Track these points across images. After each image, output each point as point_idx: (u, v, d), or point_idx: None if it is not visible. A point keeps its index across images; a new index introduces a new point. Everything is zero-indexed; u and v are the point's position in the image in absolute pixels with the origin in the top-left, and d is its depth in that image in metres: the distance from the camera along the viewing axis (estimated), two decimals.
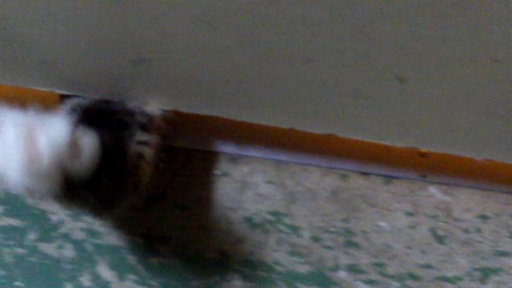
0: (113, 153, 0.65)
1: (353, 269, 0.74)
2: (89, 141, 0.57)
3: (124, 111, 0.71)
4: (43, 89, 0.75)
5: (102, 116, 0.70)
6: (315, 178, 0.77)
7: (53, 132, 0.55)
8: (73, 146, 0.56)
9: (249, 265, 0.73)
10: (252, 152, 0.79)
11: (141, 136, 0.69)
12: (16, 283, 0.71)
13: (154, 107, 0.73)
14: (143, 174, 0.69)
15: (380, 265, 0.74)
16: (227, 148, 0.79)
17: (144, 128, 0.70)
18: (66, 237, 0.74)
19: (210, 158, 0.78)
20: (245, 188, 0.77)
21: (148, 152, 0.69)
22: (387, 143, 0.74)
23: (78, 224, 0.75)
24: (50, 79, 0.74)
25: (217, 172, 0.78)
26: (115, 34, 0.64)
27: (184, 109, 0.74)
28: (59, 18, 0.63)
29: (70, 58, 0.70)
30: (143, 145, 0.69)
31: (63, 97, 0.75)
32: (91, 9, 0.61)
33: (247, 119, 0.75)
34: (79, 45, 0.67)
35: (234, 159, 0.78)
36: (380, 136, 0.74)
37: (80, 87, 0.74)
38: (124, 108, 0.71)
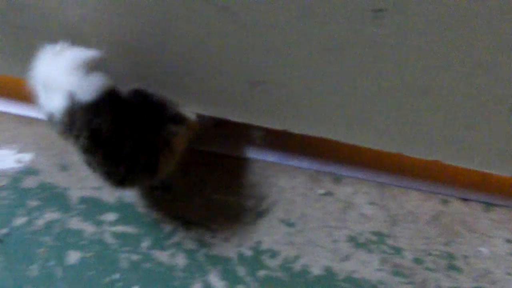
0: (143, 128, 0.70)
1: None
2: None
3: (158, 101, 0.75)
4: None
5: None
6: (416, 201, 0.81)
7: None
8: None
9: (354, 282, 0.75)
10: (355, 173, 0.81)
11: (173, 127, 0.74)
12: (135, 287, 0.73)
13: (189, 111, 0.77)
14: (167, 158, 0.73)
15: None
16: (331, 168, 0.82)
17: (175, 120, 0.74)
18: (178, 246, 0.77)
19: (315, 177, 0.82)
20: (349, 208, 0.80)
21: (177, 141, 0.74)
22: (489, 171, 0.76)
23: (189, 234, 0.78)
24: (173, 89, 0.76)
25: (321, 191, 0.81)
26: (238, 58, 0.69)
27: (294, 129, 0.77)
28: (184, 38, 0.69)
29: (195, 75, 0.74)
30: (173, 134, 0.73)
31: None
32: (215, 36, 0.67)
33: (357, 142, 0.78)
34: (205, 66, 0.72)
35: (338, 179, 0.82)
36: (483, 164, 0.76)
37: (196, 102, 0.77)
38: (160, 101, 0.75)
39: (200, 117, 0.78)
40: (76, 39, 0.66)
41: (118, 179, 0.70)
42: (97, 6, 0.66)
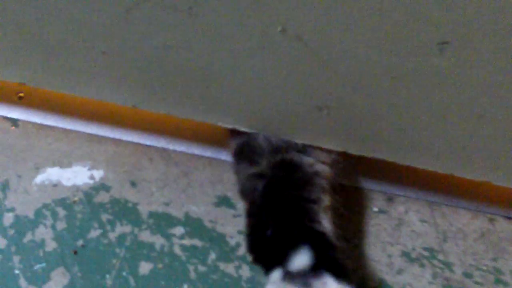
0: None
1: None
2: None
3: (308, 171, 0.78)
4: (228, 126, 0.85)
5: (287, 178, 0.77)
6: (465, 220, 0.87)
7: None
8: None
9: None
10: (407, 192, 0.88)
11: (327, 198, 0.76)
12: None
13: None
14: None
15: None
16: (384, 187, 0.88)
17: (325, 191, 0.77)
18: (243, 259, 0.82)
19: (368, 196, 0.88)
20: (401, 225, 0.86)
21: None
22: None
23: None
24: (238, 116, 0.82)
25: (375, 209, 0.87)
26: (307, 84, 0.75)
27: (353, 151, 0.83)
28: (257, 65, 0.74)
29: (265, 101, 0.79)
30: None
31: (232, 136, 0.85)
32: (289, 62, 0.73)
33: (412, 164, 0.83)
34: (275, 91, 0.78)
35: (390, 198, 0.88)
36: None
37: (263, 126, 0.83)
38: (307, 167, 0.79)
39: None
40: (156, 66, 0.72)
41: None
42: (178, 34, 0.72)
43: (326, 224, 0.73)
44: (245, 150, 0.80)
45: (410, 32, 0.65)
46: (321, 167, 0.77)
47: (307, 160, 0.77)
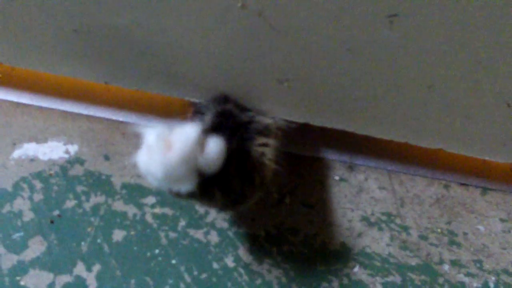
0: (238, 154, 0.74)
1: (455, 263, 0.87)
2: (215, 144, 0.65)
3: (243, 119, 0.81)
4: (194, 99, 0.89)
5: (225, 122, 0.80)
6: (421, 186, 0.93)
7: (185, 136, 0.62)
8: (202, 147, 0.64)
9: (367, 256, 0.86)
10: (367, 162, 0.94)
11: (261, 139, 0.78)
12: (173, 261, 0.84)
13: (269, 117, 0.84)
14: (267, 171, 0.77)
15: (478, 261, 0.88)
16: (345, 157, 0.94)
17: (262, 133, 0.80)
18: (211, 225, 0.87)
19: (330, 166, 0.94)
20: (361, 192, 0.92)
21: (269, 151, 0.79)
22: (487, 158, 0.88)
23: (220, 215, 0.88)
24: (202, 90, 0.87)
25: (336, 177, 0.93)
26: (268, 58, 0.78)
27: (315, 122, 0.88)
28: (220, 40, 0.77)
29: (228, 75, 0.83)
30: (264, 146, 0.78)
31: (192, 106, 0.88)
32: (250, 37, 0.76)
33: (369, 133, 0.87)
34: (237, 65, 0.81)
35: (351, 167, 0.94)
36: (481, 152, 0.87)
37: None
38: (244, 117, 0.81)
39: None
40: (126, 43, 0.75)
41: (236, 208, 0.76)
42: (145, 12, 0.75)
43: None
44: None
45: (361, 5, 0.69)
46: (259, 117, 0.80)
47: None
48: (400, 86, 0.78)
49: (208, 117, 0.79)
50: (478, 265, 0.85)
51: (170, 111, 0.96)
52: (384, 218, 0.87)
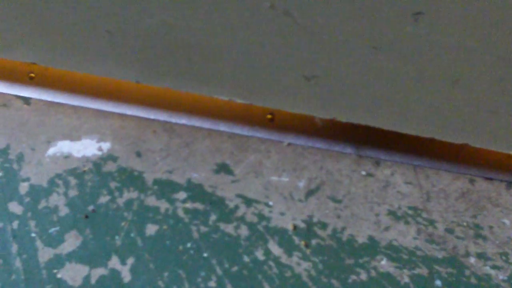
0: None
1: (481, 256, 0.89)
2: None
3: None
4: (224, 98, 0.92)
5: None
6: (447, 181, 0.94)
7: None
8: None
9: (394, 249, 0.88)
10: (393, 157, 0.96)
11: None
12: (204, 254, 0.87)
13: None
14: None
15: (504, 254, 0.89)
16: (372, 153, 0.96)
17: None
18: (241, 219, 0.89)
19: (357, 161, 0.96)
20: (388, 186, 0.94)
21: None
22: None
23: (250, 209, 0.91)
24: (233, 89, 0.90)
25: (363, 172, 0.95)
26: (295, 55, 0.80)
27: (341, 118, 0.90)
28: (249, 39, 0.79)
29: (257, 73, 0.85)
30: None
31: None
32: (278, 36, 0.77)
33: (396, 129, 0.89)
34: (265, 63, 0.82)
35: (377, 162, 0.96)
36: (506, 147, 0.89)
37: (256, 97, 0.91)
38: None
39: None
40: (157, 43, 0.78)
41: None
42: (176, 13, 0.77)
43: None
44: None
45: (386, 4, 0.70)
46: None
47: None
48: (426, 82, 0.78)
49: None
50: (504, 257, 0.86)
51: (199, 109, 0.98)
52: (410, 212, 0.89)
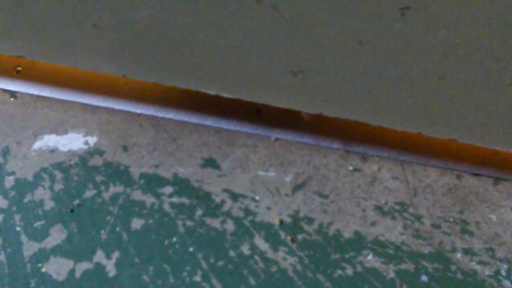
0: None
1: (468, 252, 0.89)
2: None
3: None
4: (211, 92, 0.91)
5: None
6: (434, 176, 0.94)
7: None
8: None
9: (380, 244, 0.88)
10: (380, 152, 0.95)
11: None
12: (190, 249, 0.87)
13: None
14: None
15: (491, 249, 0.89)
16: (358, 148, 0.96)
17: None
18: (227, 214, 0.89)
19: (344, 156, 0.96)
20: (375, 182, 0.94)
21: None
22: (498, 148, 0.90)
23: (236, 204, 0.91)
24: (219, 83, 0.89)
25: (350, 168, 0.95)
26: (282, 50, 0.79)
27: (328, 113, 0.90)
28: (236, 34, 0.78)
29: (244, 67, 0.85)
30: None
31: None
32: (265, 30, 0.77)
33: (382, 124, 0.89)
34: (252, 57, 0.82)
35: (364, 157, 0.95)
36: (493, 142, 0.89)
37: (243, 92, 0.90)
38: None
39: None
40: (144, 37, 0.78)
41: None
42: (164, 7, 0.77)
43: None
44: None
45: None
46: None
47: None
48: (412, 78, 0.78)
49: None
50: (490, 253, 0.86)
51: (186, 103, 0.97)
52: (397, 207, 0.89)
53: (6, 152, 0.92)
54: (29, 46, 0.89)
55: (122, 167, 0.90)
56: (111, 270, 0.82)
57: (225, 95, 0.88)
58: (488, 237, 0.87)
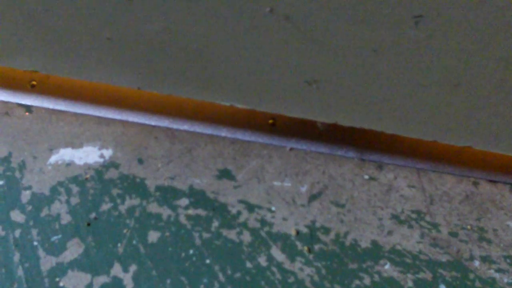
0: None
1: (486, 259, 0.88)
2: None
3: None
4: (225, 103, 0.91)
5: None
6: (450, 184, 0.94)
7: None
8: None
9: (397, 253, 0.88)
10: (396, 160, 0.95)
11: None
12: (207, 261, 0.87)
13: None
14: None
15: (509, 257, 0.88)
16: (374, 156, 0.95)
17: None
18: (244, 225, 0.89)
19: (360, 165, 0.95)
20: (391, 190, 0.93)
21: None
22: None
23: (252, 215, 0.91)
24: (234, 94, 0.89)
25: (366, 176, 0.94)
26: (296, 60, 0.79)
27: (343, 123, 0.90)
28: (250, 45, 0.79)
29: (258, 78, 0.85)
30: None
31: None
32: (279, 41, 0.77)
33: (398, 132, 0.89)
34: (267, 68, 0.82)
35: (380, 166, 0.95)
36: (510, 149, 0.88)
37: (258, 102, 0.90)
38: None
39: None
40: (158, 50, 0.78)
41: None
42: (177, 19, 0.77)
43: None
44: None
45: (387, 7, 0.69)
46: None
47: None
48: (426, 85, 0.78)
49: None
50: (508, 260, 0.86)
51: (201, 115, 0.97)
52: (414, 216, 0.88)
53: (22, 166, 0.92)
54: (43, 61, 0.90)
55: (138, 180, 0.91)
56: (128, 283, 0.82)
57: (240, 106, 0.88)
58: (506, 244, 0.87)
